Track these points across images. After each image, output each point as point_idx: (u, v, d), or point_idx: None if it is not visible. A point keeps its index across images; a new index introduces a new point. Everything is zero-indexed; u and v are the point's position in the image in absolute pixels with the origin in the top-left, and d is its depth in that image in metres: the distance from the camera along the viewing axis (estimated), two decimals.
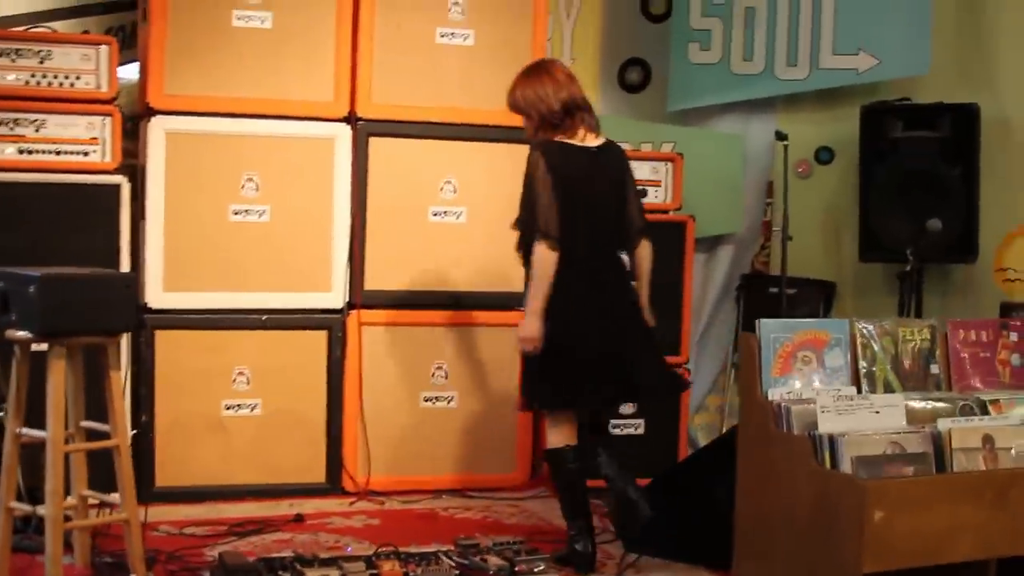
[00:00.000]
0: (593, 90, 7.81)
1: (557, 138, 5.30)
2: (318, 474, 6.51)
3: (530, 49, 6.70)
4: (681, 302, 6.97)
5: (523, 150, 6.53)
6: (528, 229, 5.25)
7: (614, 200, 5.42)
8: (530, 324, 5.21)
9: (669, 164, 7.01)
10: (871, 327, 4.90)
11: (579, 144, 5.33)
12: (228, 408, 6.34)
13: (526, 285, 5.36)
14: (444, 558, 5.20)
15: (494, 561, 5.18)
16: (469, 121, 6.67)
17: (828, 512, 4.36)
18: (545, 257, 5.17)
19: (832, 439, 4.42)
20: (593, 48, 7.96)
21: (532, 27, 6.78)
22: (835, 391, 4.70)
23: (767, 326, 4.73)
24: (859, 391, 4.78)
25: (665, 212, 6.97)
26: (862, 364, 4.85)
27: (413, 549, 5.33)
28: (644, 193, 6.45)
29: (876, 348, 4.88)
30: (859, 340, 4.85)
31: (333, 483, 6.53)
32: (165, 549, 5.31)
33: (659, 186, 6.99)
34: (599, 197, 5.36)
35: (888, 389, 4.85)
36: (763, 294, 7.45)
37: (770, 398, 4.64)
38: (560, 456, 5.33)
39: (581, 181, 5.27)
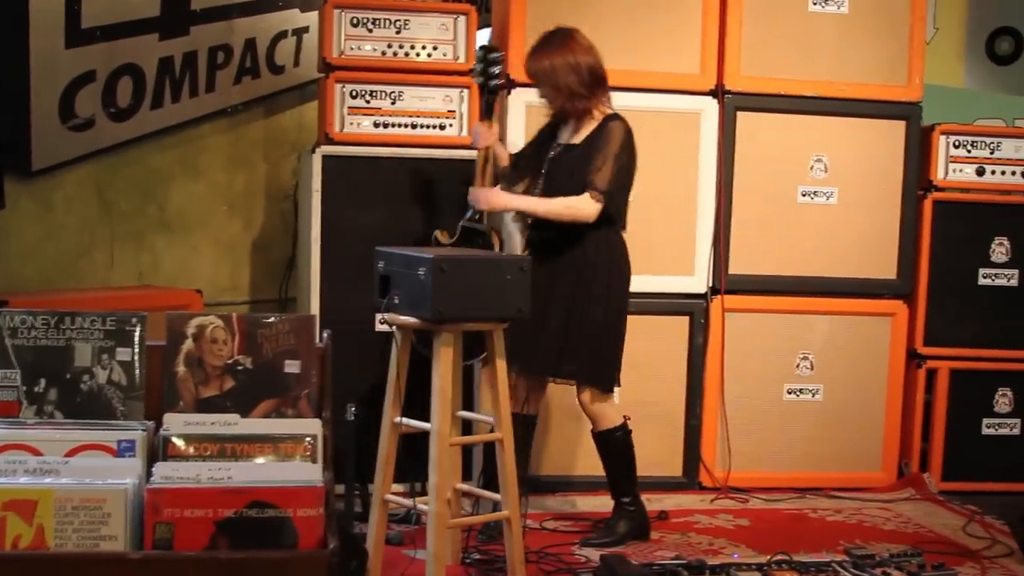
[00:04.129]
0: (958, 62, 7.35)
1: (600, 108, 5.16)
2: (674, 468, 6.21)
3: (908, 18, 6.27)
4: None
5: (900, 127, 6.16)
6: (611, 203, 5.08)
7: None
8: (501, 199, 5.19)
9: None
10: None
11: None
12: None
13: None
14: (841, 569, 4.80)
15: None
16: (842, 95, 6.24)
17: None
18: (588, 215, 5.02)
19: None
20: (959, 17, 7.45)
21: None
22: None
23: None
24: None
25: None
26: None
27: (804, 558, 4.94)
28: None
29: None
30: None
31: (690, 478, 6.21)
32: (531, 546, 5.06)
33: None
34: None
35: None
36: None
37: None
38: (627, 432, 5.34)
39: None
